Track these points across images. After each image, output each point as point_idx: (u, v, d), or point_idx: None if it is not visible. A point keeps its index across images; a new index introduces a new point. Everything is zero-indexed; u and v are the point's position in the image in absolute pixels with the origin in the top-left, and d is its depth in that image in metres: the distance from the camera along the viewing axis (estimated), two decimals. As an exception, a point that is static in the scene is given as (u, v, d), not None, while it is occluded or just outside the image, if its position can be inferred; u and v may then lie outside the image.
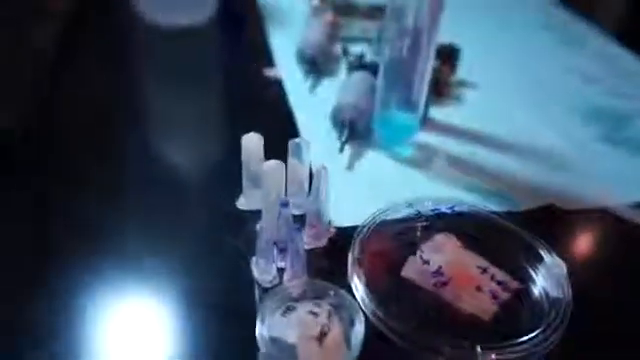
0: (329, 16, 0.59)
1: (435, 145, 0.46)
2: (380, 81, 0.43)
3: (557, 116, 0.51)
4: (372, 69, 0.48)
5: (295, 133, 0.46)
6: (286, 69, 0.55)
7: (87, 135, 0.46)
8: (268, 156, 0.35)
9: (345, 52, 0.51)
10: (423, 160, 0.44)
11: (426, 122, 0.48)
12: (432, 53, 0.42)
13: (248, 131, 0.35)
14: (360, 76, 0.47)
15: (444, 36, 0.54)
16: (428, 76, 0.43)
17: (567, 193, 0.41)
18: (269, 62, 0.57)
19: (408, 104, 0.44)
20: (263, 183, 0.33)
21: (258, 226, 0.35)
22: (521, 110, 0.52)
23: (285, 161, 0.34)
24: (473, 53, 0.58)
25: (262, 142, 0.35)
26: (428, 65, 0.42)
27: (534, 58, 0.61)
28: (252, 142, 0.35)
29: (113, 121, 0.48)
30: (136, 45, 0.63)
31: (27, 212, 0.38)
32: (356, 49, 0.55)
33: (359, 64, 0.50)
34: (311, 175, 0.35)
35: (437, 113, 0.50)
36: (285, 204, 0.32)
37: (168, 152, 0.46)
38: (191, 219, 0.38)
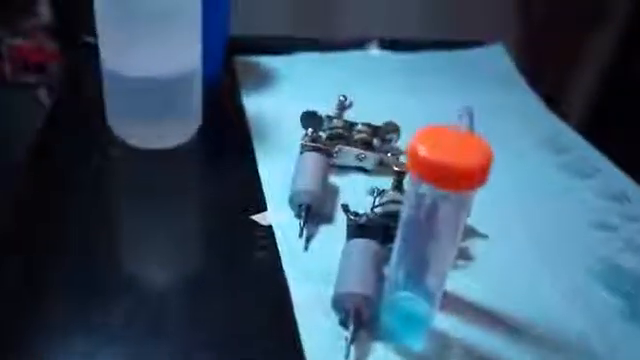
0: (321, 145, 0.53)
1: (449, 333, 0.41)
2: (393, 261, 0.38)
3: (573, 283, 0.46)
4: (375, 234, 0.43)
5: (290, 318, 0.41)
6: (278, 215, 0.50)
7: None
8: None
9: (345, 209, 0.46)
10: (435, 356, 0.39)
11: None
12: (459, 234, 0.37)
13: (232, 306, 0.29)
14: (363, 248, 0.42)
15: None
16: (451, 259, 0.38)
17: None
18: (258, 202, 0.51)
19: (424, 290, 0.39)
20: None
21: None
22: (534, 273, 0.47)
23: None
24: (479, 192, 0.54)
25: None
26: (453, 247, 0.37)
27: (538, 193, 0.57)
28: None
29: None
30: (110, 170, 0.56)
31: None
32: (342, 185, 0.50)
33: (358, 225, 0.44)
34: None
35: (448, 281, 0.45)
36: None
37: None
38: None
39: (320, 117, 0.55)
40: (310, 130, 0.55)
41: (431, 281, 0.38)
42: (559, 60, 1.10)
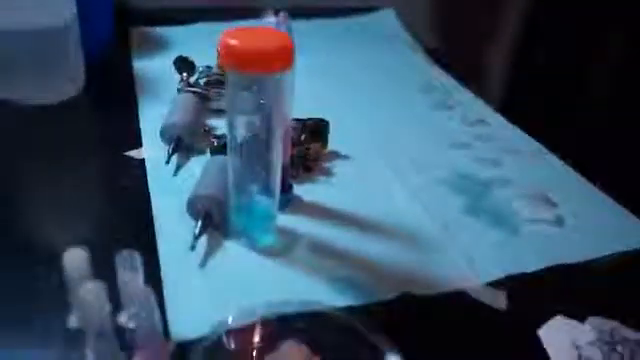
0: (197, 89, 0.57)
1: (298, 230, 0.45)
2: (231, 165, 0.41)
3: (423, 187, 0.51)
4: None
5: (149, 224, 0.44)
6: (152, 149, 0.53)
7: None
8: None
9: (208, 132, 0.49)
10: (283, 248, 0.43)
11: (291, 204, 0.47)
12: (280, 133, 0.40)
13: (98, 227, 0.32)
14: (220, 161, 0.46)
15: (316, 104, 0.55)
16: (280, 158, 0.41)
17: (426, 277, 0.41)
18: (137, 141, 0.54)
19: (264, 188, 0.43)
20: (82, 308, 0.30)
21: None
22: (389, 183, 0.52)
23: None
24: (348, 121, 0.59)
25: (85, 257, 0.32)
26: (279, 146, 0.41)
27: (407, 123, 0.62)
28: (73, 259, 0.32)
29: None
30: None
31: None
32: (218, 125, 0.54)
33: (220, 146, 0.48)
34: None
35: (304, 192, 0.49)
36: (100, 334, 0.29)
37: None
38: (14, 338, 0.34)
39: (192, 62, 0.59)
40: (184, 74, 0.58)
41: (270, 176, 0.41)
42: (474, 37, 1.17)
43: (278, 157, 0.41)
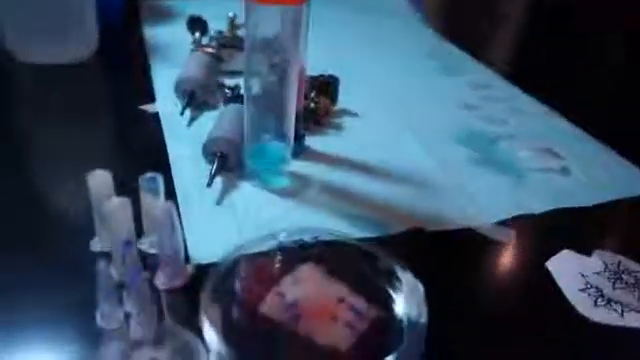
0: (210, 49, 0.58)
1: (310, 174, 0.46)
2: (247, 112, 0.43)
3: (432, 141, 0.52)
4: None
5: (166, 168, 0.45)
6: (165, 103, 0.54)
7: None
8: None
9: (221, 85, 0.50)
10: (296, 190, 0.44)
11: (303, 152, 0.48)
12: (295, 83, 0.41)
13: (116, 169, 0.34)
14: (234, 108, 0.47)
15: (326, 67, 0.56)
16: (294, 105, 0.43)
17: (436, 215, 0.42)
18: (149, 98, 0.55)
19: (278, 134, 0.44)
20: (108, 223, 0.31)
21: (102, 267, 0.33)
22: (398, 137, 0.53)
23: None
24: (357, 83, 0.60)
25: (110, 179, 0.33)
26: (293, 95, 0.42)
27: (415, 86, 0.63)
28: (98, 180, 0.33)
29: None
30: (5, 86, 0.59)
31: None
32: (232, 81, 0.55)
33: (234, 96, 0.49)
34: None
35: (315, 143, 0.50)
36: (128, 243, 0.30)
37: (23, 191, 0.43)
38: (40, 261, 0.35)
39: (204, 21, 0.60)
40: (197, 35, 0.59)
41: (284, 123, 0.43)
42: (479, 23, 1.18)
43: (292, 102, 0.42)
